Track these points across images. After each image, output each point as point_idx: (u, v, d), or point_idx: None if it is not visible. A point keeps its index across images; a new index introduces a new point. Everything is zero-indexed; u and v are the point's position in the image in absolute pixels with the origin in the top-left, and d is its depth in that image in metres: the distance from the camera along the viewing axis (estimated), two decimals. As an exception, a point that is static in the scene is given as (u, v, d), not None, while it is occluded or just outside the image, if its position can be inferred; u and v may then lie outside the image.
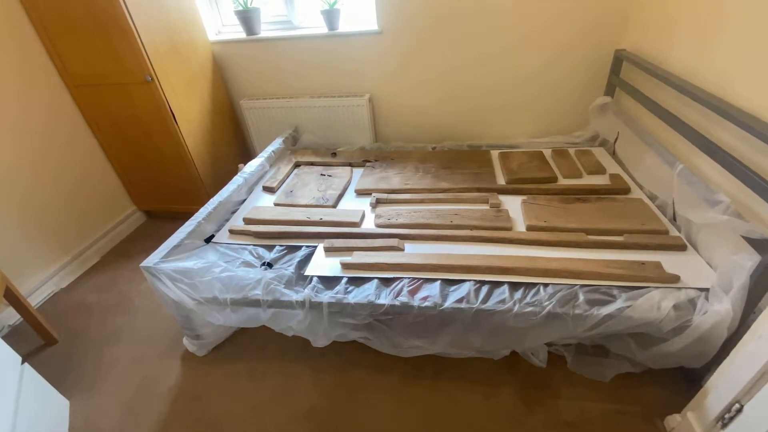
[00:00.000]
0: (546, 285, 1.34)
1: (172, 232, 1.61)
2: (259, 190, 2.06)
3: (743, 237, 1.19)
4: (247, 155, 2.83)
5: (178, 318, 1.53)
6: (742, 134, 1.30)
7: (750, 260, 1.15)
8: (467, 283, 1.38)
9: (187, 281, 1.44)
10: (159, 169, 2.34)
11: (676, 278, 1.30)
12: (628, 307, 1.22)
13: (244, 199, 2.00)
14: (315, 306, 1.38)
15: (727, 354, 1.03)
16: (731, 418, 0.98)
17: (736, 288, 1.15)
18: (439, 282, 1.40)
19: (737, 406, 0.97)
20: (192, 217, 1.70)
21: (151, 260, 1.46)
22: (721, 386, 1.03)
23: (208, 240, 1.71)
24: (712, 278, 1.29)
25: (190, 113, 2.23)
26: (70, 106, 2.13)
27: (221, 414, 1.44)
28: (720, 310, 1.15)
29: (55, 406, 1.39)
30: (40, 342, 1.76)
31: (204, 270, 1.47)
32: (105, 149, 2.31)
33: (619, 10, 1.99)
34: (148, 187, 2.44)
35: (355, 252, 1.55)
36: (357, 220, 1.73)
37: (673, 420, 1.24)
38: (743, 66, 1.33)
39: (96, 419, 1.46)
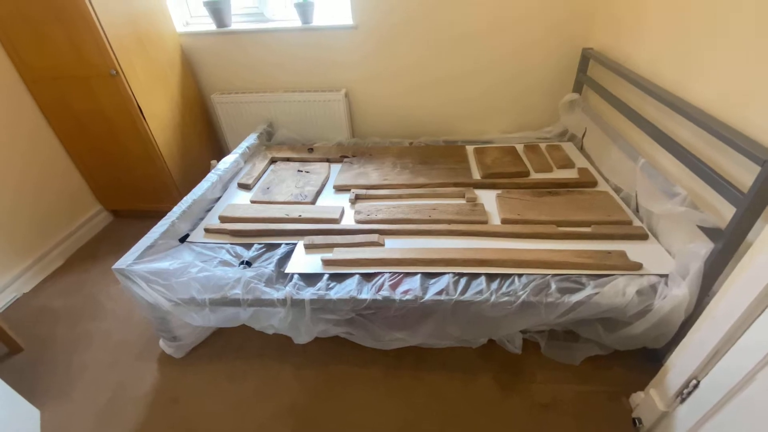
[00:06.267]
0: (520, 275, 1.40)
1: (141, 232, 1.56)
2: (234, 188, 2.02)
3: (698, 226, 1.29)
4: (220, 152, 2.76)
5: (154, 320, 1.49)
6: (697, 130, 1.40)
7: (704, 248, 1.24)
8: (446, 275, 1.42)
9: (163, 282, 1.41)
10: (126, 167, 2.24)
11: (638, 266, 1.39)
12: (596, 293, 1.30)
13: (219, 197, 1.95)
14: (296, 303, 1.38)
15: (685, 334, 1.11)
16: (689, 393, 1.06)
17: (692, 274, 1.24)
18: (419, 275, 1.43)
19: (694, 381, 1.05)
20: (165, 216, 1.65)
21: (124, 262, 1.41)
22: (680, 364, 1.11)
23: (183, 239, 1.67)
24: (671, 265, 1.39)
25: (158, 108, 2.15)
26: (27, 102, 2.01)
27: (201, 415, 1.42)
28: (678, 294, 1.24)
29: (25, 416, 1.33)
30: (5, 350, 1.68)
31: (180, 270, 1.44)
32: (66, 146, 2.20)
33: (586, 11, 2.07)
34: (114, 185, 2.34)
35: (335, 248, 1.55)
36: (337, 216, 1.73)
37: (637, 397, 1.33)
38: (699, 66, 1.42)
39: (69, 427, 1.41)
